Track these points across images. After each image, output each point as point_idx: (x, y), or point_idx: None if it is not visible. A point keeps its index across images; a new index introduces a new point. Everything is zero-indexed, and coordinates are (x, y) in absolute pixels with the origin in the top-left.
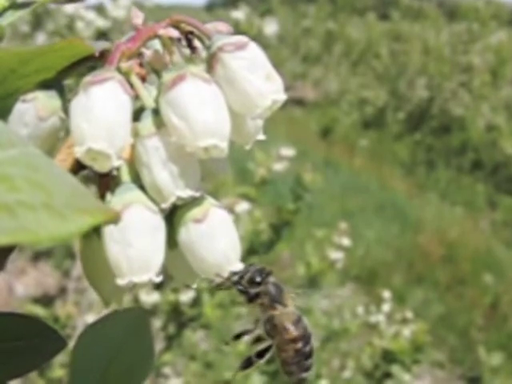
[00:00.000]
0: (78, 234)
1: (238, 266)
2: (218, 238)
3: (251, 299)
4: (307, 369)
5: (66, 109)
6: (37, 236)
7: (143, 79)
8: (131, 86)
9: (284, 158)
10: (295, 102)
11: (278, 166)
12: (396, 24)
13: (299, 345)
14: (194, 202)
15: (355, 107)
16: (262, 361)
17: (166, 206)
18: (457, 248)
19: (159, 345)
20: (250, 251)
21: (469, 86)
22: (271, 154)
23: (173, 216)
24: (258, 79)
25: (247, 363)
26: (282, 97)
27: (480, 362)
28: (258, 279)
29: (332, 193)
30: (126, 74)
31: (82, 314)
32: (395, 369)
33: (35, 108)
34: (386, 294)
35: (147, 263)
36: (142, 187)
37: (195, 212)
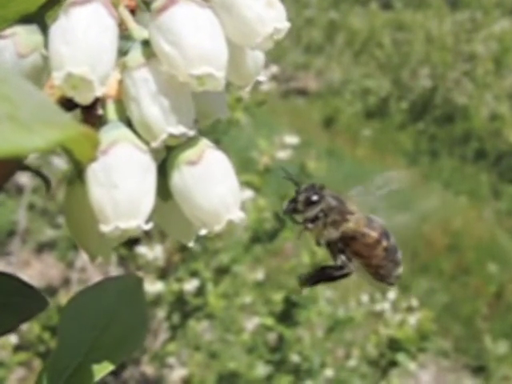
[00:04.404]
0: (45, 147)
1: (238, 215)
2: (215, 182)
3: (315, 220)
4: (400, 263)
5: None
6: None
7: (132, 12)
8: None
9: (287, 146)
10: (298, 92)
11: (282, 154)
12: (399, 13)
13: (384, 242)
14: (187, 142)
15: (358, 97)
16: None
17: (156, 144)
18: (461, 237)
19: (163, 335)
20: (253, 240)
21: (472, 75)
22: (274, 143)
23: (165, 162)
24: (259, 4)
25: (321, 275)
26: (285, 25)
27: (485, 351)
28: (315, 197)
29: (335, 182)
30: (113, 5)
31: None
32: (401, 357)
33: (14, 44)
34: None
35: (135, 207)
36: (133, 131)
37: (189, 153)
